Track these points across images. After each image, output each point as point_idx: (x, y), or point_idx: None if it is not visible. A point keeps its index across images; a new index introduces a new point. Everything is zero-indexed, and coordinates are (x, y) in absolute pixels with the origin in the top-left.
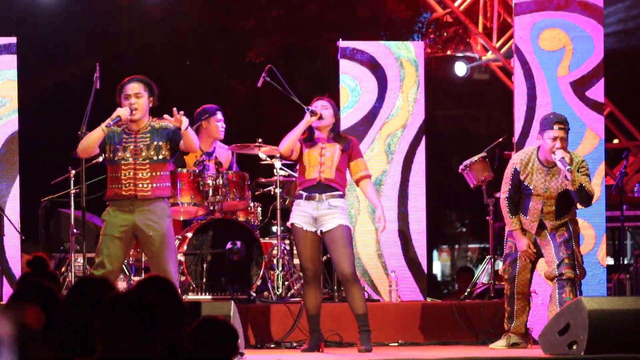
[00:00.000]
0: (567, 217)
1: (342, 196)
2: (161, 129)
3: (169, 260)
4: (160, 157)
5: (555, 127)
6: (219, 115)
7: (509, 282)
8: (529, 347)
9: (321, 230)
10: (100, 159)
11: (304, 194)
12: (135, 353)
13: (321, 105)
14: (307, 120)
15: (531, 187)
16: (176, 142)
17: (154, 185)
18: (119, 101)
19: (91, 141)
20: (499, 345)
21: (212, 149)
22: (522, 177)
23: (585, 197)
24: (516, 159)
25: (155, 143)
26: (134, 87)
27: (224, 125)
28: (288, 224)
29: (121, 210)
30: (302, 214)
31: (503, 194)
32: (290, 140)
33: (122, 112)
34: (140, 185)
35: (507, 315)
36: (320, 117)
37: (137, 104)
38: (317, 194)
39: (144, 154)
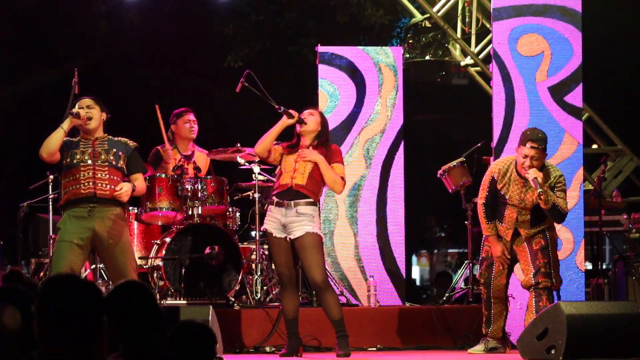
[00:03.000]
0: (542, 225)
1: (313, 203)
2: (119, 142)
3: (130, 268)
4: (119, 164)
5: (529, 144)
6: (188, 116)
7: (485, 287)
8: (507, 351)
9: (290, 238)
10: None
11: (275, 199)
12: (74, 347)
13: (308, 112)
14: (284, 121)
15: (507, 197)
16: (129, 164)
17: (112, 187)
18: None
19: (54, 140)
20: (477, 350)
21: (191, 152)
22: (499, 187)
23: (557, 216)
24: (495, 167)
25: (113, 150)
26: (86, 101)
27: (195, 126)
28: (262, 229)
29: (79, 216)
30: (273, 219)
31: (480, 199)
32: (265, 141)
33: (79, 109)
34: (99, 185)
35: (484, 320)
36: (302, 122)
37: (91, 114)
38: (286, 201)
39: (102, 157)
